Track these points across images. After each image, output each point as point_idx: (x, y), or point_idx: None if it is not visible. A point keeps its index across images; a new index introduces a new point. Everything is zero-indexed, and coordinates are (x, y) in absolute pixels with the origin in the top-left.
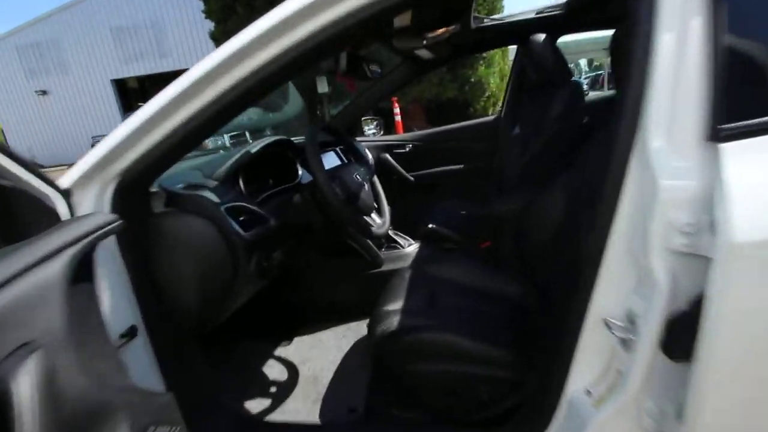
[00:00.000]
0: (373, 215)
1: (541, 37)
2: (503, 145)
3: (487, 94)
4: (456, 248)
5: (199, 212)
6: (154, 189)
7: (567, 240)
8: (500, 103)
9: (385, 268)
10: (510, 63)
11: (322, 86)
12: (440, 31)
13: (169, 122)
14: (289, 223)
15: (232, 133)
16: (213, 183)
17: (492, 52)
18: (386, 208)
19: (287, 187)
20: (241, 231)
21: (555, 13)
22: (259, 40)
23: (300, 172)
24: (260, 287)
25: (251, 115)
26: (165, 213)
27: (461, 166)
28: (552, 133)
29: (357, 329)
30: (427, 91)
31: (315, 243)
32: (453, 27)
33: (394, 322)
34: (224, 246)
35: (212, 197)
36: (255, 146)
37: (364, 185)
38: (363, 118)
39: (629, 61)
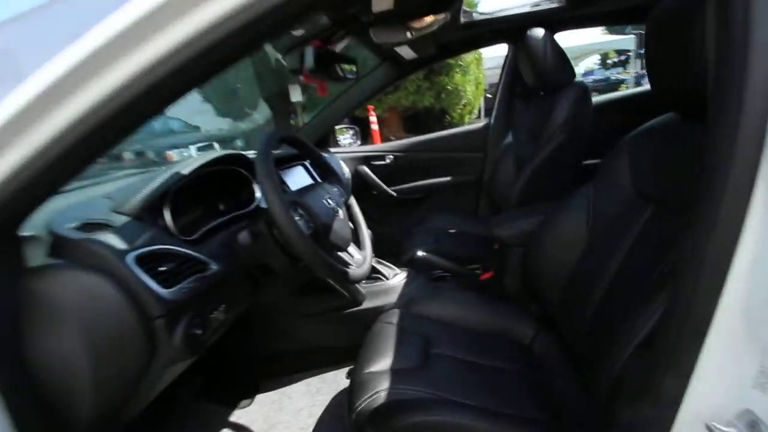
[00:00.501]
0: (351, 249)
1: (540, 32)
2: (494, 156)
3: (463, 102)
4: (449, 276)
5: (94, 266)
6: (29, 232)
7: (598, 275)
8: (476, 111)
9: (366, 305)
10: (485, 72)
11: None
12: (427, 20)
13: (44, 128)
14: (241, 265)
15: (200, 145)
16: (122, 219)
17: (468, 59)
18: (367, 239)
19: (238, 216)
20: (158, 289)
21: (553, 6)
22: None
23: (258, 196)
24: (195, 359)
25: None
26: (44, 268)
27: (449, 178)
28: (559, 142)
29: (334, 381)
30: (404, 98)
31: (278, 283)
32: (442, 16)
33: (381, 393)
34: (132, 314)
35: (116, 242)
36: (190, 164)
37: (337, 212)
38: (337, 127)
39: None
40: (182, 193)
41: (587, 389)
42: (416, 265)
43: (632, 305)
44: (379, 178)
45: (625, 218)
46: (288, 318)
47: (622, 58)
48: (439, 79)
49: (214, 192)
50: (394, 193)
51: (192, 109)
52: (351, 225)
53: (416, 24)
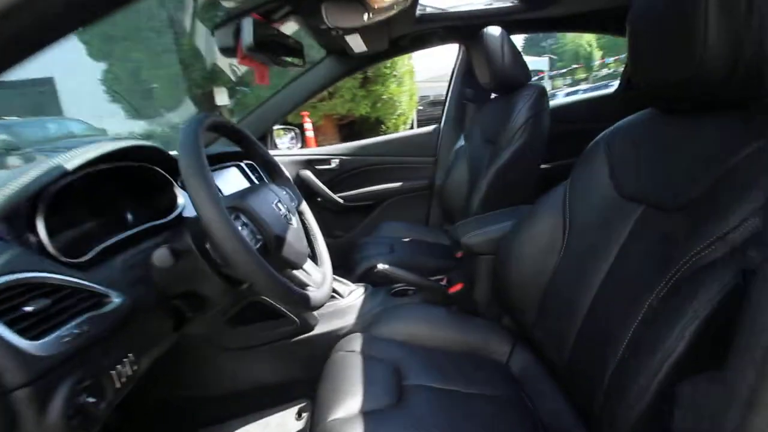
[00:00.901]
0: (308, 266)
1: (497, 30)
2: (446, 161)
3: (398, 113)
4: (411, 291)
5: None
6: None
7: (583, 282)
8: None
9: (319, 330)
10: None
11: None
12: (388, 1)
13: None
14: (158, 294)
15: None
16: None
17: (402, 70)
18: (325, 253)
19: (151, 229)
20: (18, 342)
21: (508, 5)
22: None
23: (181, 201)
24: None
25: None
26: None
27: (399, 184)
28: (520, 144)
29: (283, 425)
30: (340, 106)
31: (209, 313)
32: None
33: None
34: None
35: None
36: (79, 156)
37: (290, 220)
38: (275, 128)
39: None
40: (66, 196)
41: (580, 410)
42: (374, 279)
43: (630, 313)
44: (323, 184)
45: (609, 220)
46: (224, 353)
47: (535, 78)
48: (375, 88)
49: (116, 197)
50: (341, 200)
51: (98, 110)
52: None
53: (376, 3)
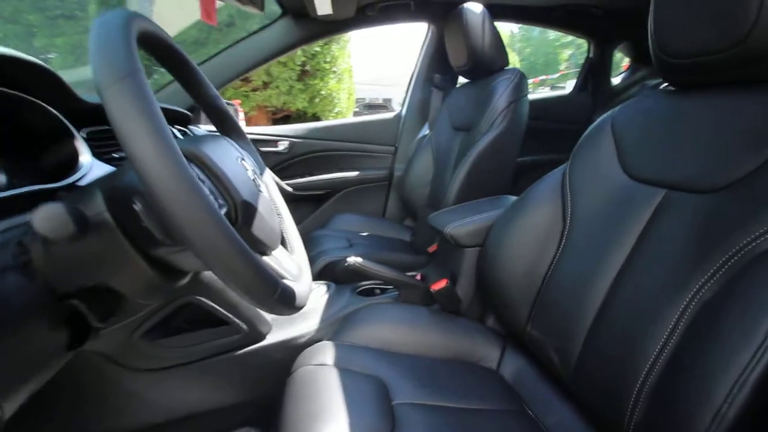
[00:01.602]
0: (278, 252)
1: (479, 6)
2: (407, 150)
3: (336, 110)
4: (379, 290)
5: None
6: None
7: (592, 277)
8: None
9: (272, 339)
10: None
11: None
12: None
13: None
14: (39, 290)
15: None
16: None
17: (342, 68)
18: (297, 237)
19: (41, 194)
20: None
21: None
22: None
23: (86, 161)
24: None
25: None
26: None
27: (356, 173)
28: (501, 129)
29: None
30: (275, 98)
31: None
32: None
33: None
34: None
35: None
36: None
37: (260, 186)
38: None
39: None
40: None
41: (597, 421)
42: (335, 277)
43: (664, 308)
44: (270, 169)
45: (621, 207)
46: (139, 375)
47: None
48: (314, 83)
49: None
50: (290, 188)
51: None
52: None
53: None
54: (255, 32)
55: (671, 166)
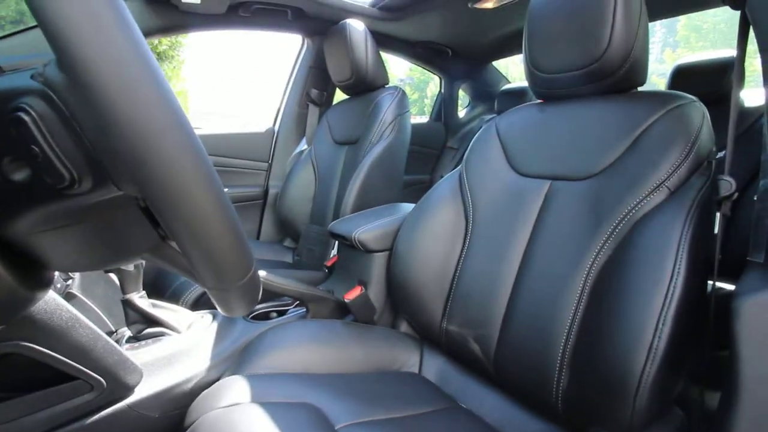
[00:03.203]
0: None
1: (360, 24)
2: (282, 167)
3: None
4: (273, 312)
5: None
6: None
7: (499, 269)
8: None
9: (147, 390)
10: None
11: None
12: None
13: None
14: None
15: None
16: None
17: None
18: None
19: None
20: None
21: (370, 8)
22: None
23: None
24: None
25: None
26: None
27: (225, 190)
28: (390, 141)
29: None
30: None
31: None
32: None
33: None
34: None
35: None
36: None
37: None
38: None
39: None
40: None
41: (527, 400)
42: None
43: (569, 281)
44: None
45: (515, 199)
46: None
47: None
48: None
49: None
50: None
51: None
52: None
53: None
54: None
55: (551, 161)
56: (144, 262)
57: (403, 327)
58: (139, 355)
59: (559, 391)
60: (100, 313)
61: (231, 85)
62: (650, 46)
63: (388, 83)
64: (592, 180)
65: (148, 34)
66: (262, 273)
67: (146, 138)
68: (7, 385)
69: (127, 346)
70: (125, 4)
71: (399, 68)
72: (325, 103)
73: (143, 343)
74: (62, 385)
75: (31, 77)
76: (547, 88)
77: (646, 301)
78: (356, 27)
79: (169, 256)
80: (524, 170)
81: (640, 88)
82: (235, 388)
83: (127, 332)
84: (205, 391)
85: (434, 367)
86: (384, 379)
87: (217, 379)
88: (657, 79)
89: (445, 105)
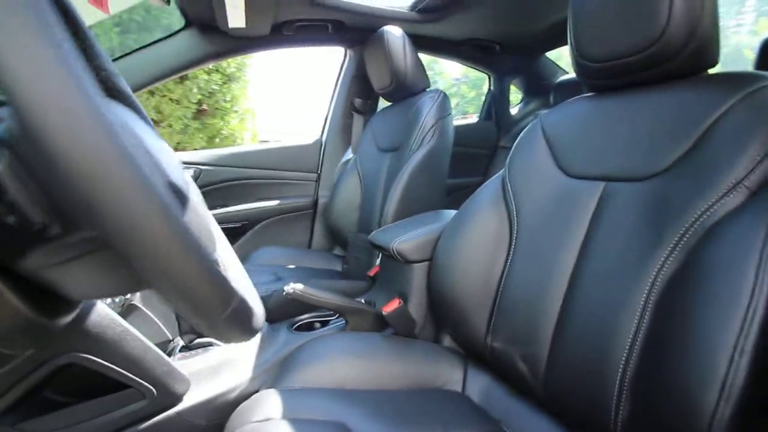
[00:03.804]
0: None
1: (398, 30)
2: (330, 177)
3: None
4: (317, 322)
5: None
6: None
7: (549, 278)
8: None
9: (193, 399)
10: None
11: None
12: None
13: None
14: None
15: None
16: None
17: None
18: (228, 246)
19: None
20: None
21: (407, 12)
22: None
23: None
24: None
25: None
26: None
27: (276, 202)
28: (431, 146)
29: None
30: (167, 137)
31: None
32: None
33: None
34: None
35: None
36: None
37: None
38: None
39: None
40: None
41: (580, 426)
42: (270, 313)
43: (631, 295)
44: None
45: (564, 204)
46: None
47: None
48: (213, 122)
49: None
50: None
51: None
52: None
53: None
54: (152, 43)
55: (605, 160)
56: None
57: (447, 341)
58: (188, 364)
59: (618, 420)
60: (159, 324)
61: (291, 100)
62: (742, 15)
63: (429, 87)
64: (653, 180)
65: (199, 61)
66: (298, 286)
67: (88, 180)
68: (69, 392)
69: (180, 355)
70: (178, 36)
71: (454, 67)
72: (369, 112)
73: (193, 352)
74: (117, 393)
75: None
76: (599, 79)
77: (719, 326)
78: (394, 33)
79: None
80: (574, 171)
81: (712, 71)
82: (269, 403)
83: (181, 341)
84: (244, 403)
85: (479, 385)
86: (423, 397)
87: (257, 390)
88: (750, 53)
89: (495, 103)
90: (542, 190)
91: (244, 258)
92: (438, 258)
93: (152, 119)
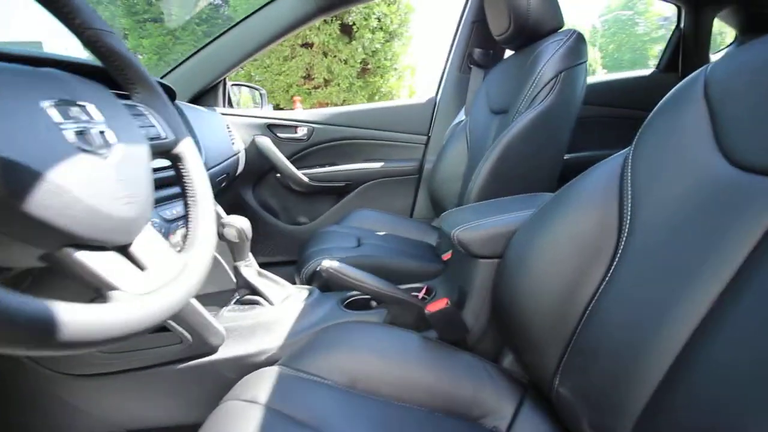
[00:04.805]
0: (140, 245)
1: None
2: (440, 140)
3: None
4: (373, 301)
5: None
6: None
7: (670, 304)
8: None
9: (225, 353)
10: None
11: None
12: None
13: None
14: None
15: None
16: None
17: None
18: (208, 227)
19: None
20: None
21: None
22: None
23: None
24: None
25: None
26: None
27: (381, 164)
28: (545, 107)
29: None
30: (336, 95)
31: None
32: None
33: None
34: None
35: None
36: None
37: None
38: (233, 83)
39: None
40: None
41: None
42: (327, 283)
43: None
44: (286, 156)
45: (717, 207)
46: (74, 381)
47: None
48: (374, 80)
49: None
50: (306, 178)
51: None
52: None
53: None
54: (261, 7)
55: None
56: (250, 234)
57: (507, 362)
58: (231, 317)
59: None
60: (230, 272)
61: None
62: None
63: (561, 26)
64: None
65: (305, 19)
66: (333, 263)
67: None
68: None
69: (230, 307)
70: None
71: (660, 5)
72: (488, 65)
73: (239, 308)
74: (161, 333)
75: None
76: None
77: None
78: None
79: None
80: (747, 160)
81: None
82: (268, 383)
83: (237, 295)
84: (249, 375)
85: (529, 430)
86: (447, 427)
87: (276, 361)
88: None
89: (686, 46)
90: (683, 182)
91: (342, 219)
92: (510, 257)
93: (324, 79)
